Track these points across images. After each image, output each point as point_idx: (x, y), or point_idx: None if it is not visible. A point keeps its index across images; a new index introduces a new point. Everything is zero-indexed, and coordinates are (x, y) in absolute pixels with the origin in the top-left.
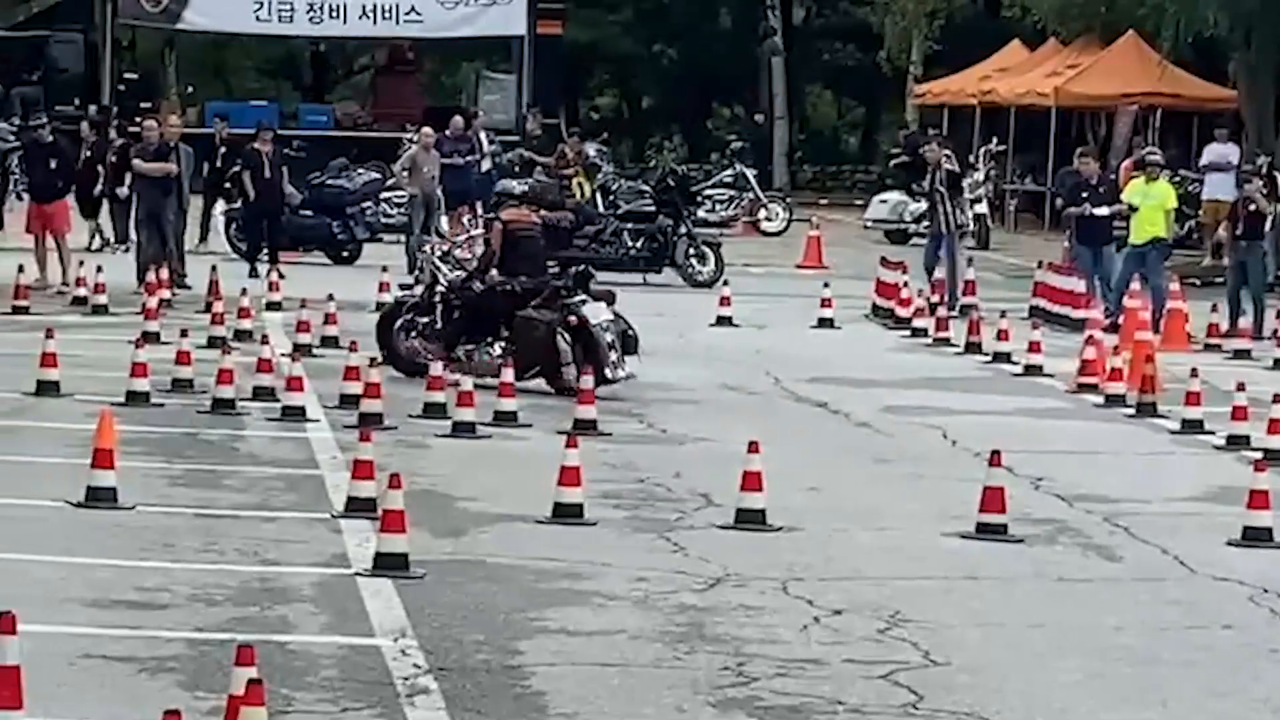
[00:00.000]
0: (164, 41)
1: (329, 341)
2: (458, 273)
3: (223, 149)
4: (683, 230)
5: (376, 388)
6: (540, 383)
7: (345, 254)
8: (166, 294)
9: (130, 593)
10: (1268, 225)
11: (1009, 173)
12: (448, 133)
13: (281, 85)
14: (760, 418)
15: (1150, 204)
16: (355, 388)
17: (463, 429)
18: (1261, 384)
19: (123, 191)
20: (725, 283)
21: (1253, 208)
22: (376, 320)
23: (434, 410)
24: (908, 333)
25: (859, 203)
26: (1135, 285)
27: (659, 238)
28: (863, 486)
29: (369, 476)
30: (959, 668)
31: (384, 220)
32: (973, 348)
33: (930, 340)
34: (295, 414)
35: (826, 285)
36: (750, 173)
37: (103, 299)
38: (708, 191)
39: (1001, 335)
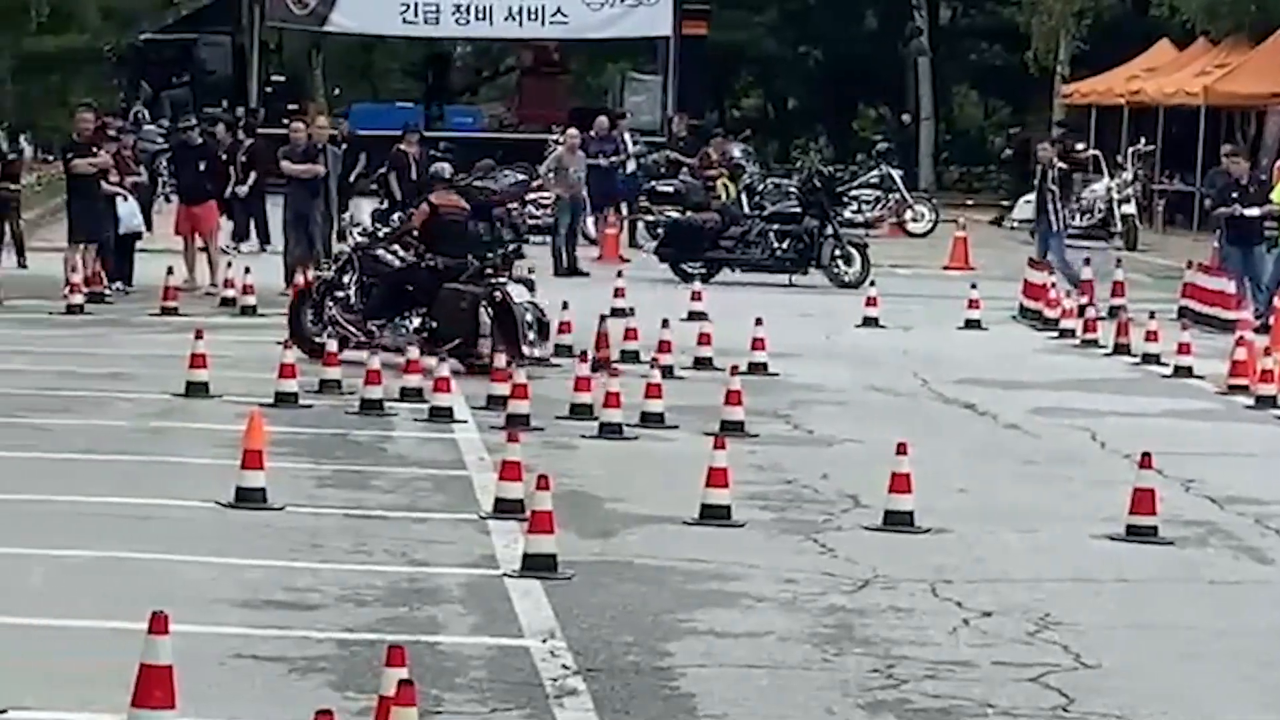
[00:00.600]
0: (311, 44)
1: None
2: (362, 238)
3: (344, 145)
4: (829, 231)
5: (524, 389)
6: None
7: None
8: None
9: (280, 593)
10: None
11: (1157, 173)
12: (593, 134)
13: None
14: (907, 419)
15: None
16: (502, 389)
17: (610, 430)
18: None
19: (241, 190)
20: (872, 284)
21: None
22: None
23: (581, 411)
24: (1056, 334)
25: (1005, 203)
26: None
27: (805, 239)
28: (1011, 488)
29: (517, 478)
30: (1109, 670)
31: (530, 221)
32: (1121, 349)
33: (1078, 341)
34: (443, 415)
35: (973, 286)
36: (896, 173)
37: (251, 300)
38: (854, 192)
39: (1150, 336)
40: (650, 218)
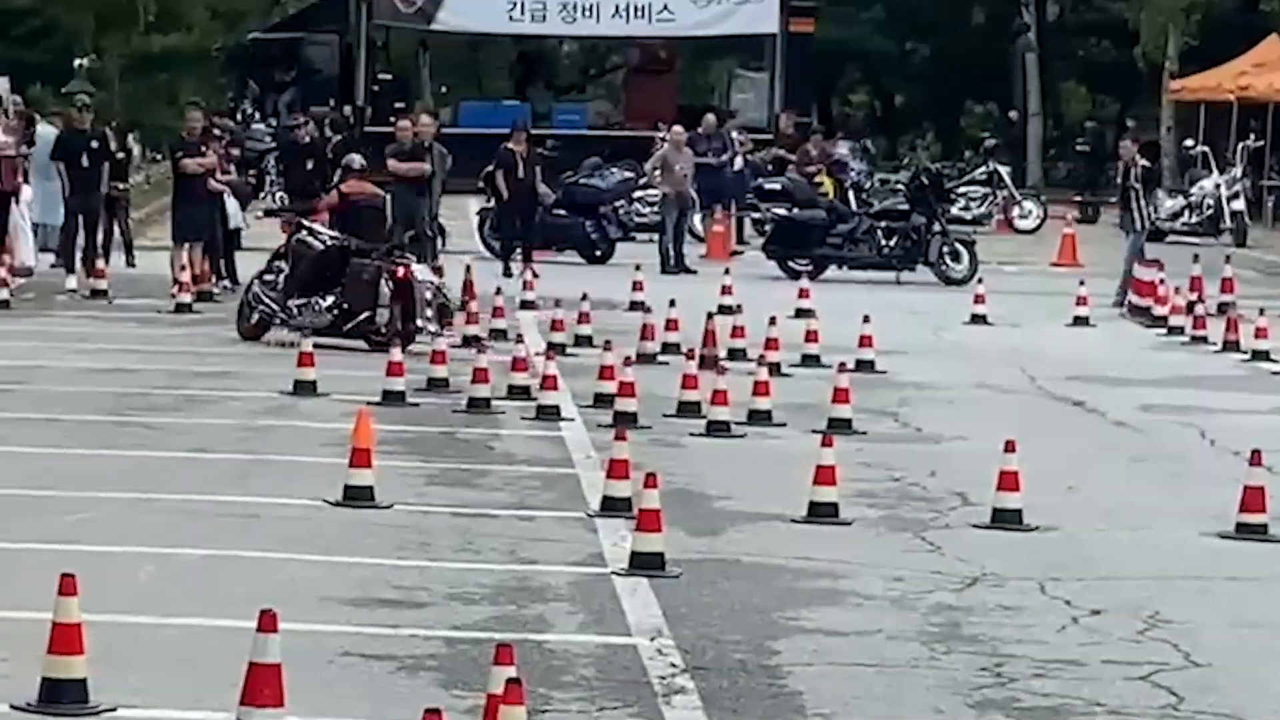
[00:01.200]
0: (418, 42)
1: (583, 340)
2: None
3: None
4: (937, 228)
5: (631, 386)
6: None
7: (598, 253)
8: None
9: (388, 591)
10: None
11: (1266, 169)
12: (700, 131)
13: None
14: (1016, 416)
15: None
16: (609, 387)
17: (717, 428)
18: None
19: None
20: (979, 280)
21: None
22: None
23: (688, 409)
24: (1164, 331)
25: (1113, 199)
26: None
27: (913, 235)
28: (1120, 486)
29: (624, 476)
30: (1219, 669)
31: (637, 219)
32: (1230, 346)
33: (1187, 339)
34: (550, 413)
35: (1081, 283)
36: (1004, 170)
37: None
38: (961, 189)
39: (1259, 333)
40: (758, 215)
